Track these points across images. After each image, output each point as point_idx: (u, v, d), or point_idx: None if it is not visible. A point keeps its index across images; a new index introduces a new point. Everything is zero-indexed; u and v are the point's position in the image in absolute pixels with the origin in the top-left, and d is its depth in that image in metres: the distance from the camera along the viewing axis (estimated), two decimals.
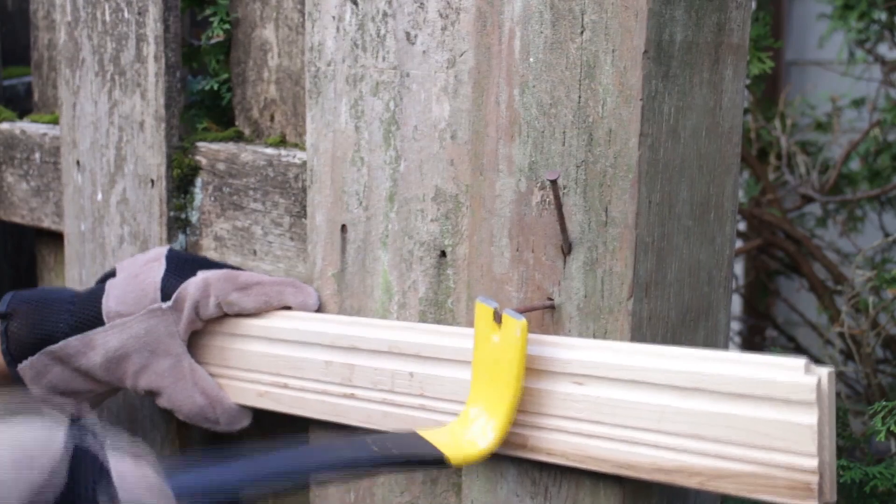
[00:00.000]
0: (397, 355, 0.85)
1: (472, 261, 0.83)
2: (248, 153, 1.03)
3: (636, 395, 0.72)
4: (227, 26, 1.11)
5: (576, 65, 0.75)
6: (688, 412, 0.70)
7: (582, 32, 0.74)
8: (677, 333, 0.80)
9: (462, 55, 0.82)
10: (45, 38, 1.38)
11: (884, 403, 1.05)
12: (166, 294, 0.92)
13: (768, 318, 2.20)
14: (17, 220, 1.36)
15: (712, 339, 0.85)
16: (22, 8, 1.56)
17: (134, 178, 1.11)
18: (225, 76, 1.15)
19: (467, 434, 0.77)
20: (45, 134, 1.29)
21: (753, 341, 2.28)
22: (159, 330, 0.92)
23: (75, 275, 1.21)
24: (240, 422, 0.95)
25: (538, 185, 0.78)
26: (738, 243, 1.97)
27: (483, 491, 0.83)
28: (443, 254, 0.86)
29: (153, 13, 1.07)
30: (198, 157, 1.08)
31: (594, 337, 0.76)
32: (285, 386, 0.92)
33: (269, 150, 1.02)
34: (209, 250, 1.08)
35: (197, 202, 1.08)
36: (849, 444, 1.31)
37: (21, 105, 1.49)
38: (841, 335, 1.68)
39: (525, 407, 0.77)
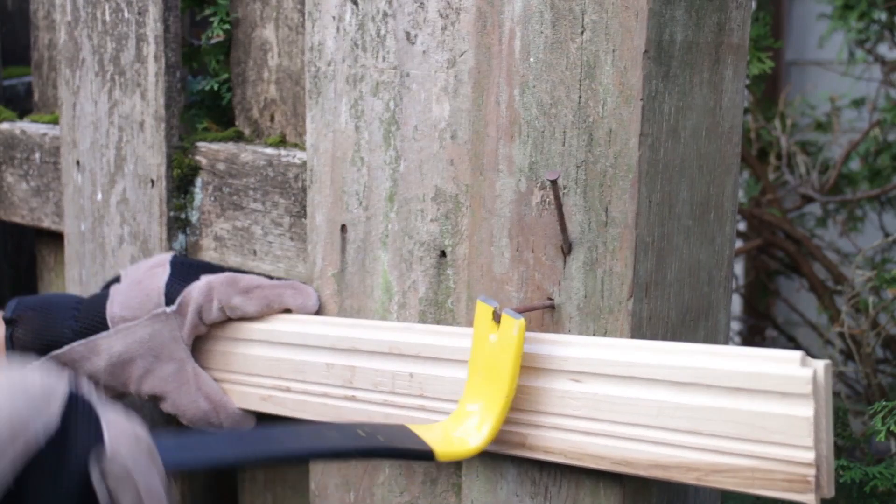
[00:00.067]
0: (397, 356, 0.85)
1: (472, 261, 0.83)
2: (248, 153, 1.03)
3: (634, 391, 0.72)
4: (227, 26, 1.11)
5: (576, 65, 0.75)
6: (685, 407, 0.70)
7: (582, 32, 0.74)
8: (677, 333, 0.80)
9: (462, 55, 0.82)
10: (46, 38, 1.38)
11: (884, 403, 1.05)
12: (170, 298, 0.92)
13: (768, 318, 2.20)
14: (17, 220, 1.36)
15: (712, 339, 0.85)
16: (22, 8, 1.56)
17: (134, 178, 1.11)
18: (225, 76, 1.15)
19: (458, 431, 0.77)
20: (45, 134, 1.29)
21: (753, 341, 2.28)
22: (163, 334, 0.92)
23: (75, 275, 1.21)
24: (243, 427, 0.95)
25: (538, 185, 0.78)
26: (738, 243, 1.97)
27: (483, 491, 0.83)
28: (443, 254, 0.86)
29: (153, 13, 1.07)
30: (198, 157, 1.08)
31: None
32: (288, 389, 0.92)
33: (269, 150, 1.02)
34: (209, 250, 1.08)
35: (197, 202, 1.08)
36: (849, 444, 1.31)
37: (21, 105, 1.49)
38: (841, 335, 1.68)
39: (523, 405, 0.77)
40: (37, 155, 1.30)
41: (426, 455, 0.76)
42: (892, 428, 1.03)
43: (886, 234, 1.91)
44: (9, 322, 0.95)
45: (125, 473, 0.67)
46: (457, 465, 0.86)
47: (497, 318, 0.75)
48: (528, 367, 0.77)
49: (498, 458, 0.82)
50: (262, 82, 1.09)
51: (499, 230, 0.80)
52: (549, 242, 0.77)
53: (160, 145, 1.08)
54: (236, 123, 1.13)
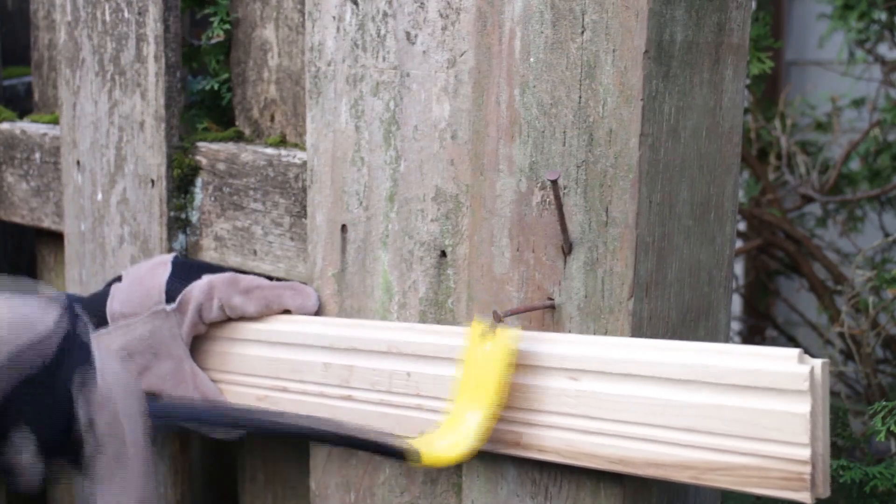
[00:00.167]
0: (396, 355, 0.85)
1: (473, 261, 0.83)
2: (249, 153, 1.03)
3: (630, 388, 0.72)
4: (227, 26, 1.11)
5: (576, 65, 0.75)
6: (681, 405, 0.70)
7: (582, 32, 0.74)
8: (678, 333, 0.80)
9: (462, 55, 0.82)
10: (46, 38, 1.38)
11: (884, 403, 1.05)
12: (171, 296, 0.93)
13: (768, 318, 2.20)
14: (17, 220, 1.36)
15: (712, 339, 0.85)
16: (22, 8, 1.56)
17: (134, 178, 1.11)
18: (225, 76, 1.15)
19: (445, 438, 0.77)
20: (45, 134, 1.29)
21: (753, 341, 2.28)
22: (163, 332, 0.93)
23: (75, 275, 1.21)
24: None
25: (538, 185, 0.78)
26: (738, 243, 1.97)
27: (483, 491, 0.83)
28: (443, 254, 0.86)
29: (153, 13, 1.07)
30: (198, 157, 1.08)
31: None
32: (284, 389, 0.92)
33: (269, 150, 1.02)
34: (209, 250, 1.08)
35: (197, 202, 1.08)
36: (849, 444, 1.31)
37: (21, 105, 1.49)
38: (841, 335, 1.68)
39: (519, 404, 0.77)
40: (37, 155, 1.30)
41: (410, 455, 0.77)
42: (892, 428, 1.03)
43: (886, 234, 1.91)
44: None
45: (105, 387, 0.75)
46: (457, 466, 0.86)
47: (490, 331, 0.76)
48: (526, 365, 0.77)
49: (498, 458, 0.82)
50: (262, 82, 1.09)
51: (499, 230, 0.80)
52: (550, 242, 0.77)
53: (160, 145, 1.08)
54: (236, 123, 1.13)
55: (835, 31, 1.88)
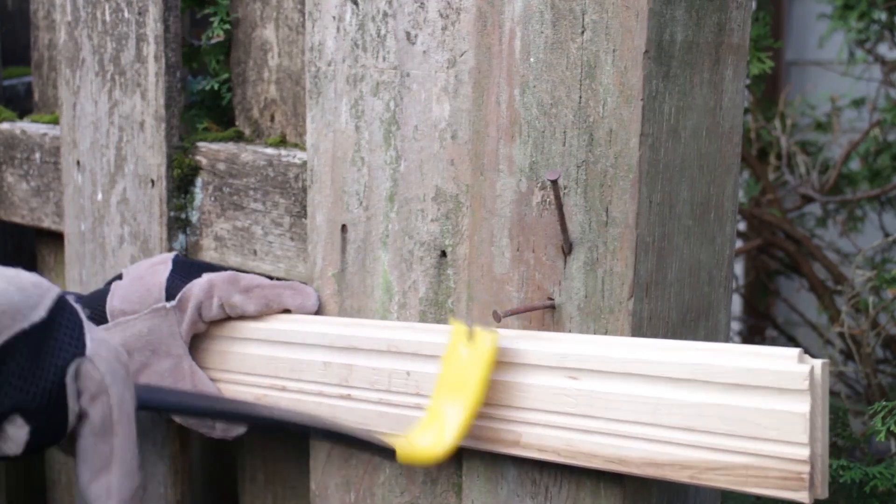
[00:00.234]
0: (395, 354, 0.85)
1: (473, 261, 0.83)
2: (249, 153, 1.03)
3: (630, 387, 0.72)
4: (227, 26, 1.11)
5: (576, 65, 0.75)
6: (681, 403, 0.70)
7: (583, 32, 0.74)
8: (678, 333, 0.80)
9: (462, 55, 0.82)
10: (46, 38, 1.38)
11: (884, 403, 1.05)
12: (171, 294, 0.93)
13: (768, 318, 2.20)
14: (17, 220, 1.36)
15: (712, 339, 0.85)
16: (22, 8, 1.56)
17: (134, 178, 1.11)
18: (225, 76, 1.15)
19: (423, 437, 0.78)
20: (45, 134, 1.29)
21: (753, 341, 2.28)
22: (162, 329, 0.93)
23: (75, 275, 1.21)
24: (236, 429, 0.95)
25: (539, 185, 0.78)
26: (738, 243, 1.97)
27: (483, 491, 0.83)
28: (443, 254, 0.86)
29: (153, 13, 1.07)
30: (198, 157, 1.08)
31: None
32: (283, 388, 0.92)
33: (270, 150, 1.02)
34: (209, 250, 1.08)
35: (197, 202, 1.08)
36: (849, 444, 1.31)
37: (21, 105, 1.49)
38: (841, 335, 1.68)
39: (518, 403, 0.77)
40: (37, 155, 1.30)
41: (387, 452, 0.79)
42: (892, 428, 1.03)
43: (886, 234, 1.91)
44: None
45: (98, 377, 0.76)
46: (457, 466, 0.86)
47: (470, 335, 0.76)
48: (524, 363, 0.77)
49: (498, 458, 0.82)
50: (262, 82, 1.09)
51: (499, 230, 0.80)
52: (550, 242, 0.77)
53: (160, 145, 1.08)
54: (236, 123, 1.13)
55: (835, 31, 1.88)
